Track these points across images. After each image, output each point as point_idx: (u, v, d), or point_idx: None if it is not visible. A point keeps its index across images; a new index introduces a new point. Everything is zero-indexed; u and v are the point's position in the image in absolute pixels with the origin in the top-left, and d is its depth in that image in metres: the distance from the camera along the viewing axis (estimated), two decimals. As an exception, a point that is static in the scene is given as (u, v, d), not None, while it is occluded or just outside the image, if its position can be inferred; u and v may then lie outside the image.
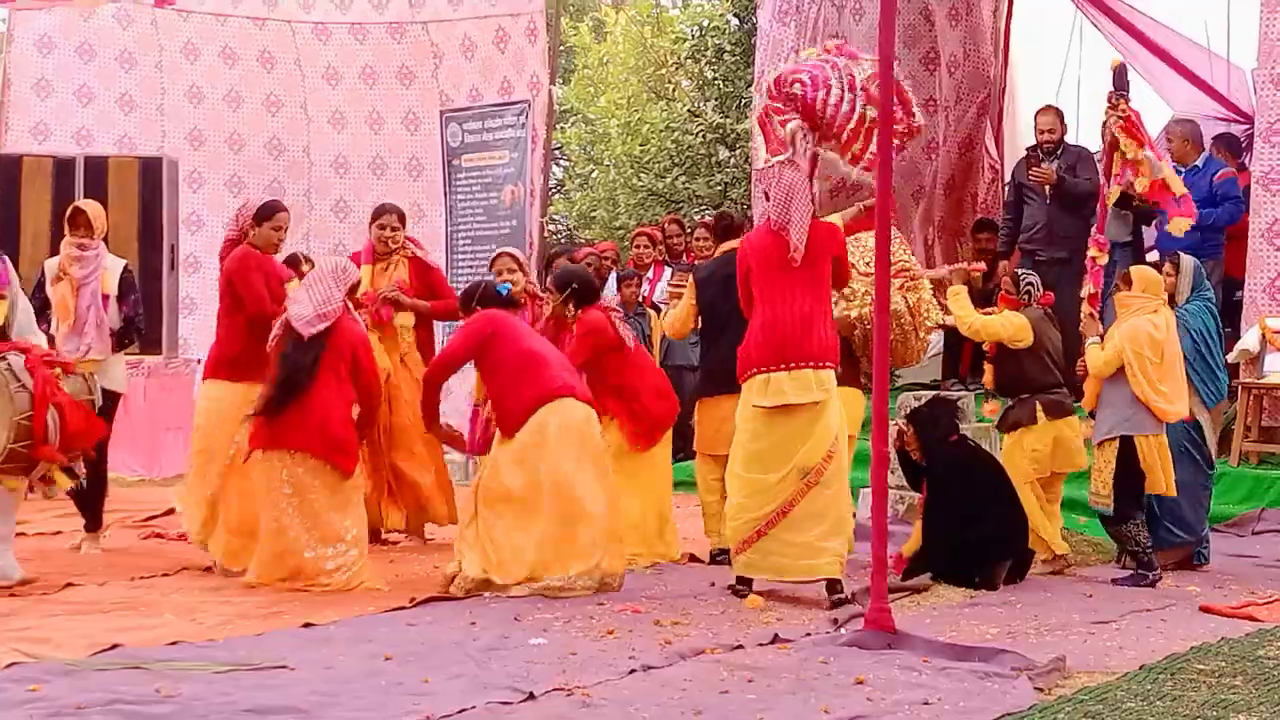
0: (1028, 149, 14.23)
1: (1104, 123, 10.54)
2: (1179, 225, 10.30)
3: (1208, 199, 13.06)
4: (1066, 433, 10.01)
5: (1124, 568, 9.93)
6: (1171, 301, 10.08)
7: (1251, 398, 12.10)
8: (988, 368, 10.47)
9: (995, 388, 10.42)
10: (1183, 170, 13.25)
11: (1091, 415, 9.98)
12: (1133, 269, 10.17)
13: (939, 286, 10.76)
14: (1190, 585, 9.45)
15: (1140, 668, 6.97)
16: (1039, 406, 10.00)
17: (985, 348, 10.56)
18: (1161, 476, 9.62)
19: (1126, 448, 9.61)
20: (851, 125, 8.96)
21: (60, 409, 8.62)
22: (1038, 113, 14.39)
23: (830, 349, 9.01)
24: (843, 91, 8.95)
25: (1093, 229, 10.65)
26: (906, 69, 15.74)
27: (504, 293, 9.70)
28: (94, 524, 10.27)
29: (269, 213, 9.98)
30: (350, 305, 9.34)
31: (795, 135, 8.99)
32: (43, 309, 9.80)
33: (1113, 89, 10.35)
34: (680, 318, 10.52)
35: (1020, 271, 10.66)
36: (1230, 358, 12.38)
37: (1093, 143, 14.29)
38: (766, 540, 8.92)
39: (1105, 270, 10.62)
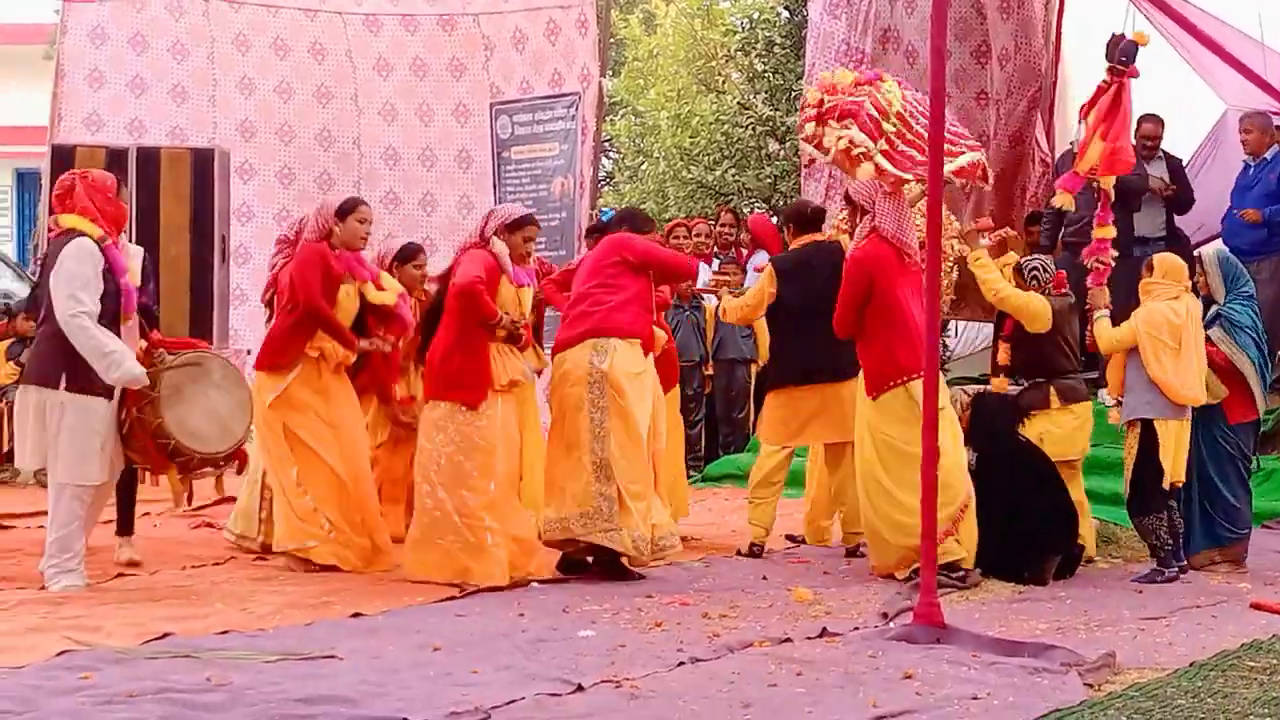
0: (1071, 142, 14.21)
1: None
2: (1064, 200, 10.32)
3: (1275, 192, 12.98)
4: (1080, 417, 10.00)
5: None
6: (1210, 303, 10.01)
7: (1305, 394, 12.02)
8: (1003, 346, 10.49)
9: (1010, 367, 10.42)
10: (1251, 163, 13.17)
11: (1119, 402, 9.94)
12: (1155, 256, 10.15)
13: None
14: (1241, 583, 9.40)
15: (1191, 664, 6.94)
16: (1053, 390, 10.05)
17: (1001, 327, 10.59)
18: (1176, 463, 9.57)
19: (1148, 435, 9.58)
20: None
21: None
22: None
23: None
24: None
25: (1095, 215, 10.54)
26: (958, 62, 15.70)
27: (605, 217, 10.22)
28: (127, 528, 9.84)
29: (351, 207, 9.87)
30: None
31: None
32: None
33: (1107, 59, 10.35)
34: (752, 305, 10.51)
35: (1024, 260, 10.67)
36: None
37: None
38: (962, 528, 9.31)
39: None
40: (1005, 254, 11.05)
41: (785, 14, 22.52)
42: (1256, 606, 8.55)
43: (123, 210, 8.87)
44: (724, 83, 24.32)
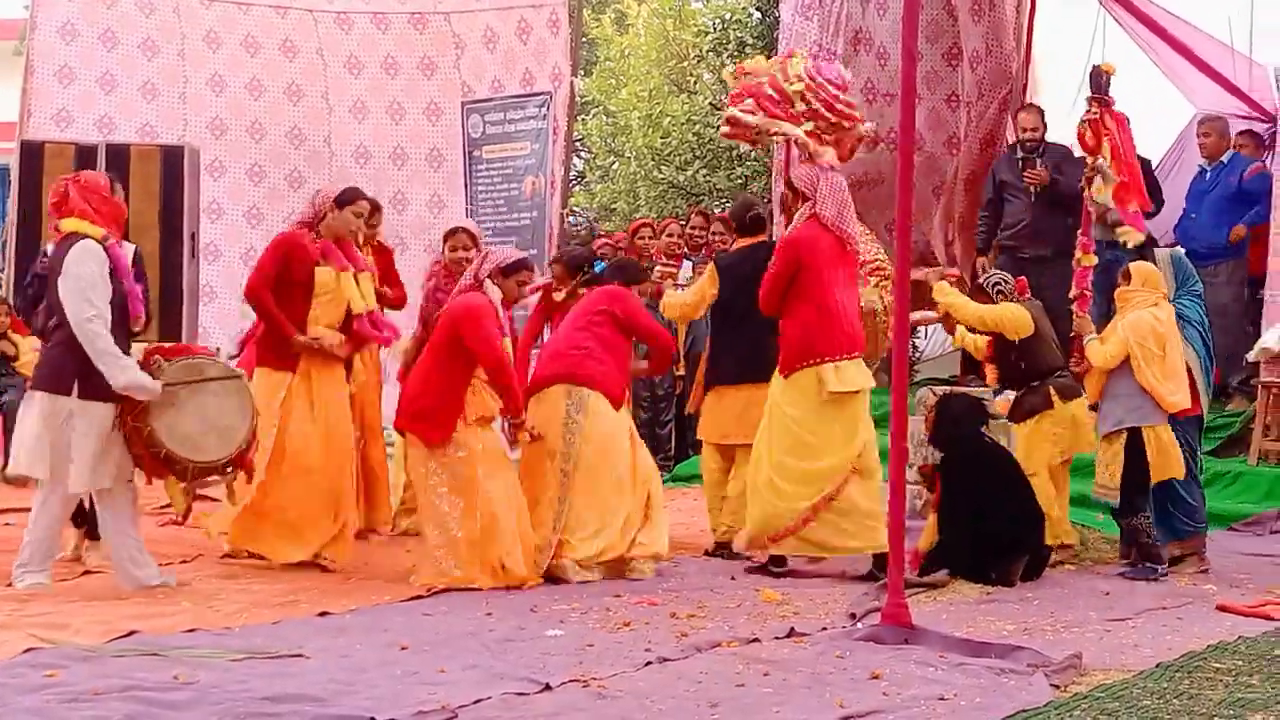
0: (1009, 147, 14.34)
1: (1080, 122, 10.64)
2: (1133, 237, 10.40)
3: (1235, 196, 13.04)
4: (1080, 414, 10.05)
5: (1130, 563, 9.90)
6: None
7: (1271, 397, 12.07)
8: (988, 368, 10.56)
9: (1001, 382, 10.49)
10: (1208, 167, 13.23)
11: (1094, 409, 10.00)
12: (1131, 264, 10.21)
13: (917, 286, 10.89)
14: (1207, 584, 9.43)
15: (1157, 666, 6.96)
16: (1052, 390, 10.12)
17: (978, 349, 10.65)
18: (1173, 461, 9.67)
19: (1134, 439, 9.65)
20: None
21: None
22: (1018, 111, 14.67)
23: (864, 340, 9.87)
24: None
25: (1079, 231, 10.66)
26: (929, 64, 15.73)
27: (599, 269, 10.32)
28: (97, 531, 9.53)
29: (350, 199, 9.80)
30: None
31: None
32: (37, 299, 9.32)
33: (1092, 92, 10.54)
34: (692, 303, 10.59)
35: (984, 278, 10.76)
36: (1251, 356, 12.41)
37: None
38: (814, 525, 9.44)
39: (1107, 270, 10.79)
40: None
41: (757, 15, 22.54)
42: (1223, 609, 8.58)
43: (121, 208, 8.78)
44: (696, 83, 24.35)
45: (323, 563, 9.45)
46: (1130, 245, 10.49)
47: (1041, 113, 14.36)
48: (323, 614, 7.95)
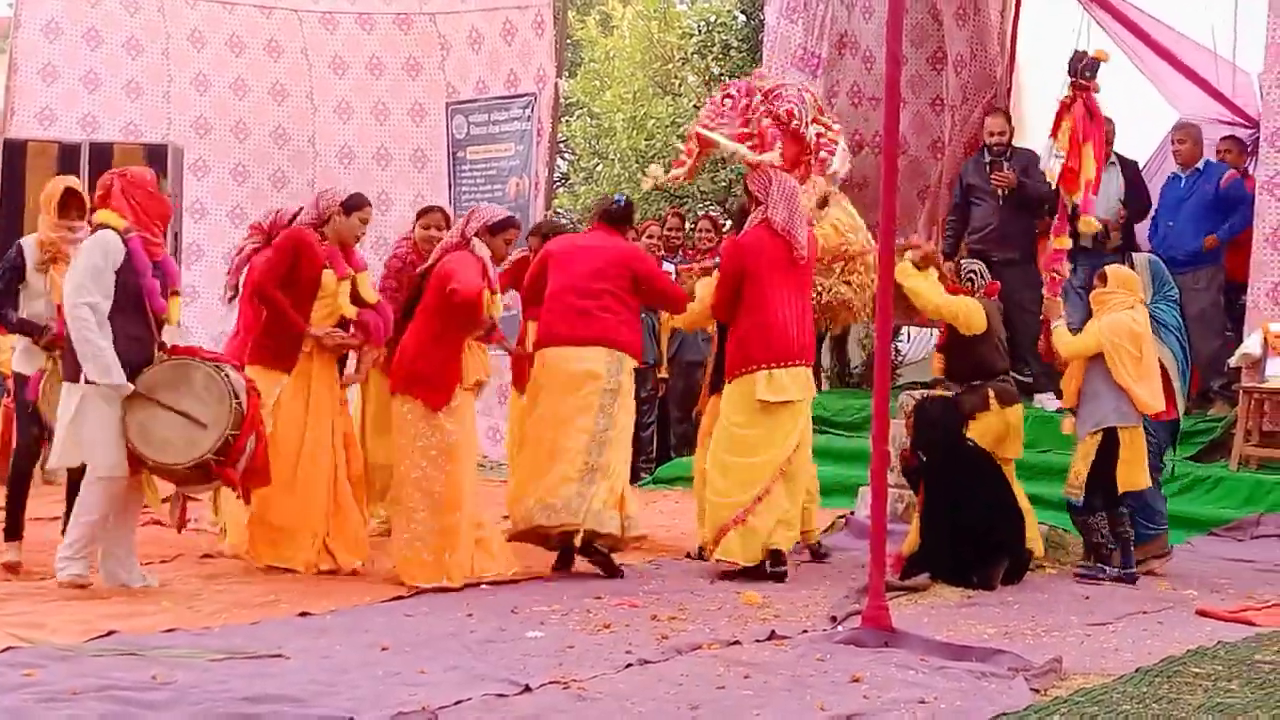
0: (978, 151, 14.39)
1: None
2: (1086, 224, 10.39)
3: (1213, 204, 13.05)
4: (1015, 420, 10.02)
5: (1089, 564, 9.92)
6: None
7: (1253, 402, 12.09)
8: (936, 356, 10.57)
9: (946, 375, 10.49)
10: (1183, 174, 13.24)
11: (1072, 412, 10.00)
12: (1108, 267, 10.25)
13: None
14: (1188, 589, 9.44)
15: (1136, 670, 6.96)
16: (991, 393, 10.04)
17: (936, 337, 10.70)
18: (1138, 469, 9.67)
19: (1109, 439, 9.66)
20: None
21: (259, 440, 8.48)
22: (986, 115, 14.70)
23: (812, 348, 9.95)
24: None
25: (1054, 219, 10.65)
26: (914, 68, 15.77)
27: (620, 201, 10.14)
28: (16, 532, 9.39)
29: (358, 204, 9.80)
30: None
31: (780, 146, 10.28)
32: (8, 292, 9.16)
33: (1069, 75, 10.48)
34: (702, 311, 10.51)
35: (964, 261, 10.77)
36: (1232, 362, 12.42)
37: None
38: (745, 527, 9.52)
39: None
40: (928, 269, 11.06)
41: (742, 18, 22.53)
42: (1203, 614, 8.59)
43: (165, 204, 8.68)
44: (680, 85, 24.31)
45: (349, 569, 9.34)
46: (1082, 232, 10.43)
47: (1008, 117, 14.42)
48: (303, 614, 7.93)
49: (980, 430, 9.96)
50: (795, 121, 10.43)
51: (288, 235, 9.53)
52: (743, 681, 6.63)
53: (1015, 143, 14.25)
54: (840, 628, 7.84)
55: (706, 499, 9.82)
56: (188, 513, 8.87)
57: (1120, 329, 9.66)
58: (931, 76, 16.21)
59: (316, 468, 9.33)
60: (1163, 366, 9.92)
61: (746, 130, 10.37)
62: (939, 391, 10.42)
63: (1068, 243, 10.46)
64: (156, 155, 14.18)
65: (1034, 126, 15.89)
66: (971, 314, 10.04)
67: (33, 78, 16.66)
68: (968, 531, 9.36)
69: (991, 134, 14.11)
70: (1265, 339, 12.03)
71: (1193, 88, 14.99)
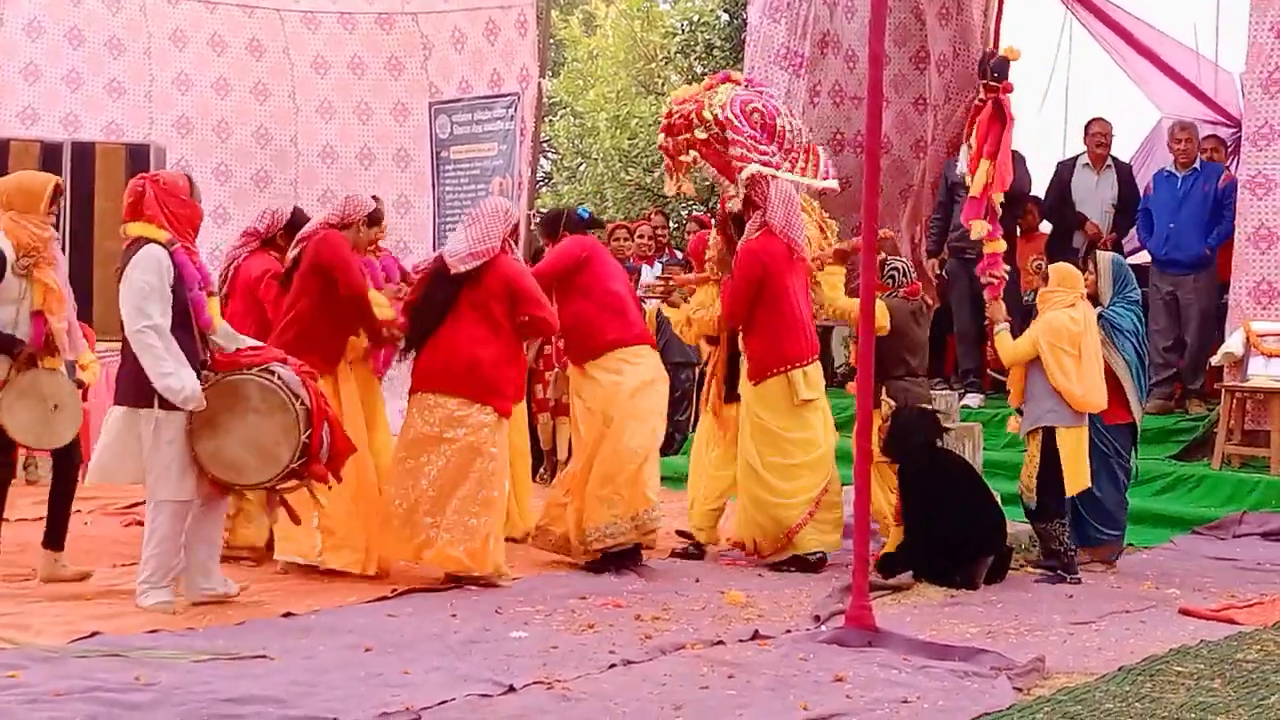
0: (961, 149, 14.40)
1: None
2: (978, 228, 10.35)
3: (1214, 204, 13.03)
4: None
5: (1039, 565, 9.93)
6: (1094, 303, 10.15)
7: (1234, 401, 12.11)
8: (852, 347, 10.69)
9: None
10: (1179, 175, 13.24)
11: (1019, 412, 10.06)
12: (1050, 265, 10.35)
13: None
14: (1170, 588, 9.46)
15: (1119, 669, 6.98)
16: (884, 392, 10.09)
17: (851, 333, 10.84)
18: (1078, 470, 9.67)
19: (1049, 441, 9.70)
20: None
21: (331, 426, 8.31)
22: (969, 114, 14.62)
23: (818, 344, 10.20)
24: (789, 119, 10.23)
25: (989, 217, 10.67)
26: (897, 67, 15.78)
27: (585, 215, 10.14)
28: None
29: (380, 218, 9.87)
30: (511, 245, 9.42)
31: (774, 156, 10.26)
32: None
33: (979, 77, 10.68)
34: (711, 320, 10.52)
35: (888, 259, 10.82)
36: (1214, 361, 12.45)
37: (1078, 143, 14.34)
38: (815, 520, 9.94)
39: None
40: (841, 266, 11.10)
41: (725, 17, 22.55)
42: (1185, 612, 8.60)
43: (198, 212, 8.45)
44: (663, 85, 24.35)
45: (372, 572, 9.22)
46: (975, 236, 10.44)
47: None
48: (287, 615, 7.92)
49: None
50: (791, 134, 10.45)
51: (334, 235, 9.27)
52: (726, 681, 6.64)
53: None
54: (824, 627, 7.85)
55: (761, 503, 9.92)
56: (281, 507, 8.44)
57: (1057, 329, 9.68)
58: (914, 76, 16.23)
59: (365, 470, 9.23)
60: (1113, 370, 9.95)
61: (788, 153, 10.34)
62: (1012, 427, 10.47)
63: (1003, 245, 10.50)
64: (138, 155, 14.16)
65: (1017, 126, 15.91)
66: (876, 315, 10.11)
67: (15, 77, 16.62)
68: (941, 542, 9.38)
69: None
70: (1247, 338, 12.05)
71: (1175, 87, 15.05)
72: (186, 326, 8.01)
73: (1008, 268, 10.43)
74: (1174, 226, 13.07)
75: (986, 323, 10.44)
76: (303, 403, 8.07)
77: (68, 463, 8.90)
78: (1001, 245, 10.45)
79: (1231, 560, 10.48)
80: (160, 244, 8.01)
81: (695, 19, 23.57)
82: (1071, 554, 9.74)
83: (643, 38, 24.97)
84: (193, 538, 8.19)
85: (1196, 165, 13.24)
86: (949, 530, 9.37)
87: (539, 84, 16.52)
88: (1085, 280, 10.07)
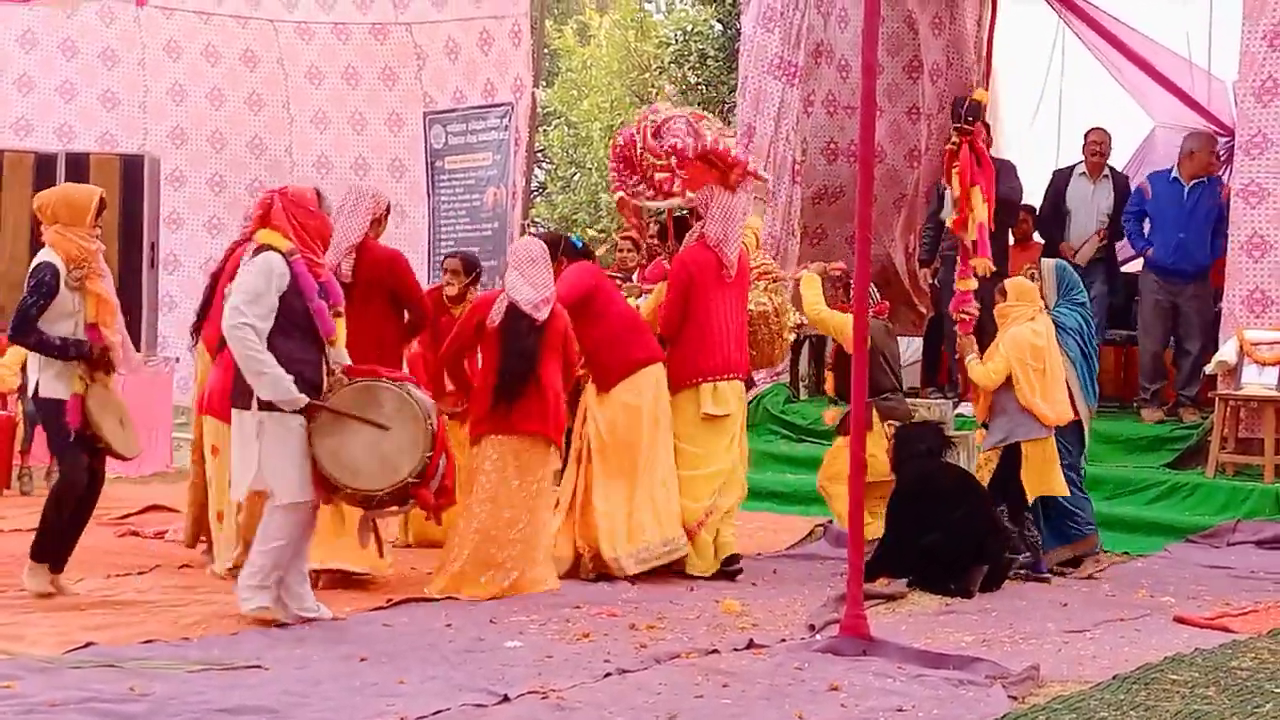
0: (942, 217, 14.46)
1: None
2: (983, 264, 10.52)
3: (1219, 216, 12.99)
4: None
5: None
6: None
7: (1228, 409, 12.12)
8: (829, 375, 10.83)
9: (835, 392, 10.86)
10: (1185, 184, 13.20)
11: (984, 426, 10.21)
12: (1006, 281, 10.47)
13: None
14: (1164, 596, 9.46)
15: (1113, 677, 6.98)
16: (875, 410, 10.25)
17: (827, 355, 10.93)
18: (1054, 478, 9.89)
19: (1012, 454, 9.88)
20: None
21: (448, 459, 8.22)
22: None
23: (747, 361, 10.29)
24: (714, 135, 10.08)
25: (959, 255, 10.79)
26: (890, 77, 15.82)
27: (579, 244, 10.29)
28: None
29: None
30: None
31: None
32: (29, 322, 8.39)
33: (952, 121, 10.83)
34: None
35: (853, 278, 10.88)
36: (1208, 369, 12.47)
37: (1075, 153, 14.34)
38: (698, 540, 9.86)
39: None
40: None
41: (719, 27, 22.61)
42: (1180, 621, 8.61)
43: (326, 223, 8.39)
44: (657, 94, 24.36)
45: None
46: (981, 273, 10.55)
47: (987, 127, 14.36)
48: (281, 625, 7.90)
49: (869, 446, 10.12)
50: (691, 150, 10.30)
51: (401, 257, 9.60)
52: (721, 690, 6.64)
53: (991, 152, 14.26)
54: (818, 636, 7.84)
55: (663, 509, 9.92)
56: (372, 533, 8.35)
57: (1023, 345, 9.87)
58: (908, 85, 16.27)
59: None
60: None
61: (652, 175, 10.31)
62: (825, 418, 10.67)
63: (973, 284, 10.62)
64: (133, 166, 14.14)
65: (1010, 135, 15.99)
66: (847, 332, 10.17)
67: (8, 88, 16.64)
68: (940, 551, 9.40)
69: None
70: (1241, 346, 12.07)
71: (1168, 96, 15.07)
72: (308, 334, 7.95)
73: (978, 305, 10.57)
74: (1184, 236, 13.03)
75: (957, 356, 10.57)
76: (431, 424, 8.03)
77: (95, 488, 8.79)
78: (973, 283, 10.62)
79: (1226, 568, 10.49)
80: (280, 252, 7.96)
81: (689, 29, 23.61)
82: (1040, 550, 9.99)
83: (636, 48, 25.03)
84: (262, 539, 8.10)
85: (1205, 178, 13.24)
86: (937, 549, 9.39)
87: (533, 94, 16.52)
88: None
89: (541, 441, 9.21)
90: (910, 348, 15.78)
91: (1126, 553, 11.01)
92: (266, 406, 7.79)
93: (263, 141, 17.57)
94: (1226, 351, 12.17)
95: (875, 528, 9.86)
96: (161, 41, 17.24)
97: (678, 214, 10.45)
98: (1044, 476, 9.88)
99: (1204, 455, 12.29)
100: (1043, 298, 10.29)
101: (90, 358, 8.44)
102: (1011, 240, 14.12)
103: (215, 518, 9.44)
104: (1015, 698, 6.57)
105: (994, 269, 10.67)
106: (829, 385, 11.02)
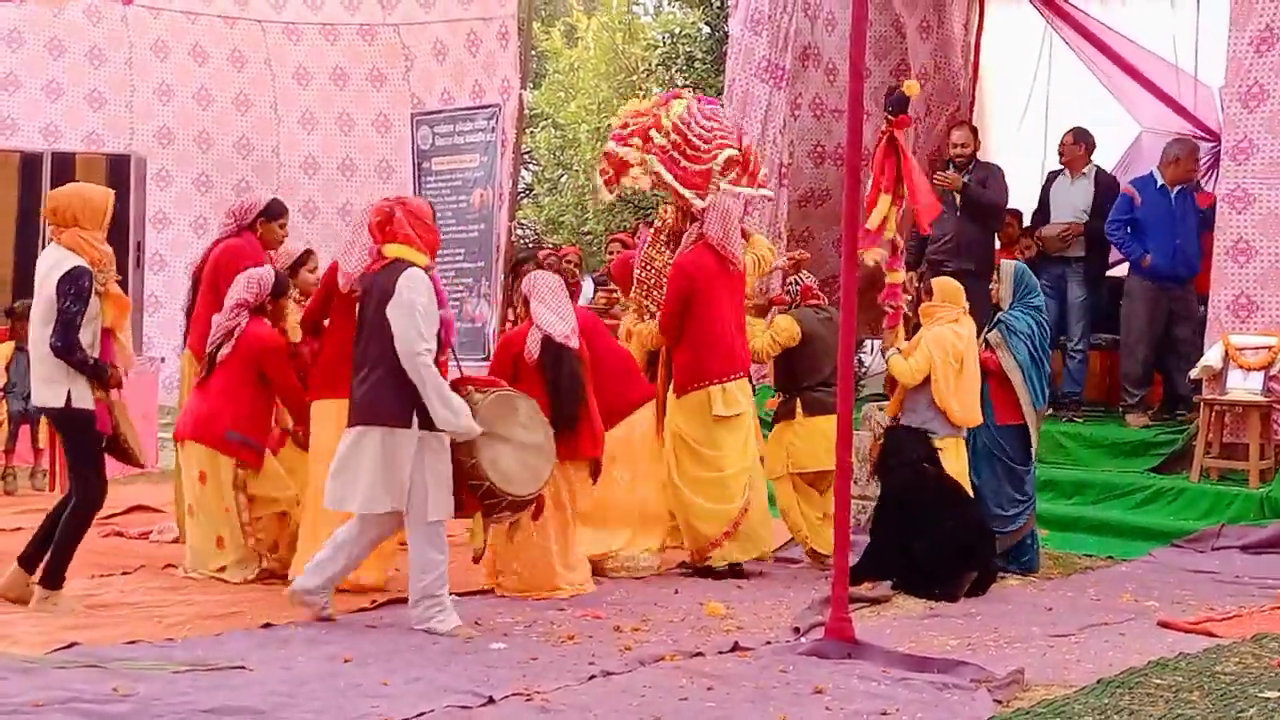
0: (942, 163, 14.46)
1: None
2: (871, 256, 10.66)
3: (1202, 220, 13.01)
4: (828, 429, 10.07)
5: None
6: (996, 309, 10.44)
7: (1213, 414, 12.13)
8: (770, 365, 11.01)
9: (775, 384, 10.99)
10: (1170, 191, 13.20)
11: (895, 419, 10.29)
12: (934, 280, 10.61)
13: None
14: (1149, 600, 9.47)
15: (1098, 681, 6.99)
16: (799, 403, 10.41)
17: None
18: (959, 475, 9.96)
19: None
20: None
21: None
22: (952, 127, 14.84)
23: (749, 359, 10.37)
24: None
25: (900, 250, 10.91)
26: (877, 80, 15.80)
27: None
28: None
29: (279, 213, 10.00)
30: None
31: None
32: (75, 333, 8.13)
33: (884, 110, 11.01)
34: (653, 334, 10.54)
35: (794, 275, 11.05)
36: (1193, 374, 12.46)
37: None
38: (738, 533, 9.96)
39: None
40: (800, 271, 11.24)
41: (706, 29, 22.61)
42: (1164, 625, 8.61)
43: (439, 238, 8.49)
44: (645, 97, 24.38)
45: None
46: (869, 263, 10.62)
47: (974, 130, 14.46)
48: (266, 626, 7.90)
49: (790, 439, 10.45)
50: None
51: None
52: (705, 693, 6.64)
53: (979, 155, 14.30)
54: (803, 639, 7.85)
55: (680, 512, 10.16)
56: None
57: (945, 344, 9.97)
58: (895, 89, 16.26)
59: None
60: (1008, 374, 10.20)
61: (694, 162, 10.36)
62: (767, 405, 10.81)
63: (901, 277, 10.86)
64: (119, 165, 14.14)
65: (997, 139, 16.00)
66: (782, 334, 10.50)
67: (-6, 87, 16.61)
68: (925, 556, 9.40)
69: (955, 145, 14.16)
70: (1226, 352, 12.08)
71: (1155, 101, 15.08)
72: (440, 346, 8.00)
73: (909, 297, 10.67)
74: (1179, 242, 13.03)
75: (882, 348, 10.64)
76: (547, 430, 8.24)
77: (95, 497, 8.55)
78: (899, 276, 10.85)
79: (1210, 573, 10.49)
80: (420, 267, 8.00)
81: (677, 31, 23.62)
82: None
83: (624, 50, 25.02)
84: (350, 547, 8.12)
85: (1184, 184, 13.25)
86: (920, 557, 9.40)
87: (520, 95, 16.51)
88: (991, 288, 10.49)
89: (593, 464, 9.41)
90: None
91: (1111, 557, 11.01)
92: (427, 425, 7.81)
93: (250, 142, 17.55)
94: (1211, 356, 12.17)
95: (825, 534, 9.95)
96: (149, 41, 17.21)
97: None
98: (956, 475, 9.95)
99: (1189, 460, 12.29)
100: (998, 299, 10.41)
101: (104, 380, 8.24)
102: (999, 244, 14.14)
103: (215, 543, 9.37)
104: (1000, 701, 6.58)
105: (879, 257, 10.83)
106: (769, 376, 11.14)
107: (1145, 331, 13.15)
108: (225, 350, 9.36)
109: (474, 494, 8.00)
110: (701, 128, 10.42)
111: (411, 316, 7.78)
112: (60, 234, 8.26)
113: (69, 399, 8.16)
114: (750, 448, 10.19)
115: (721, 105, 11.40)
